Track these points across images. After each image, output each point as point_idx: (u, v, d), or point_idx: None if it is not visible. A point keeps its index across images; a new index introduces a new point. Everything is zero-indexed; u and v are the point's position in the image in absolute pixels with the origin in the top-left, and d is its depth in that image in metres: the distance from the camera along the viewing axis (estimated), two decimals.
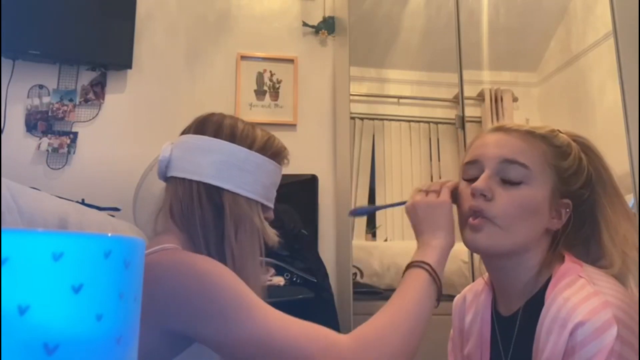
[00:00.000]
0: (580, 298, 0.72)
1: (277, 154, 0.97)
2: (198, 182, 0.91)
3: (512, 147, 0.83)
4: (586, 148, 0.89)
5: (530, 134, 0.85)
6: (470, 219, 0.83)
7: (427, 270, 0.81)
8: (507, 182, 0.82)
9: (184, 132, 0.98)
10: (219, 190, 0.91)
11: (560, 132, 0.89)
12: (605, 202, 0.86)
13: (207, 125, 0.95)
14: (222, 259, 0.88)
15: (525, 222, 0.81)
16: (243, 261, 0.90)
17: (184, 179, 0.92)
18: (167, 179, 0.96)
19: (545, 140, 0.85)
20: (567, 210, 0.84)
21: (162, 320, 0.75)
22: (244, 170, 0.92)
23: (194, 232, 0.90)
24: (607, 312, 0.69)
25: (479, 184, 0.82)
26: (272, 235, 0.97)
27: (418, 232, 0.87)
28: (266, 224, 0.96)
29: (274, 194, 0.99)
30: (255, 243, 0.93)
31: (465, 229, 0.84)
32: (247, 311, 0.74)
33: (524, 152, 0.82)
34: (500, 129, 0.88)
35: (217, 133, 0.94)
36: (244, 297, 0.76)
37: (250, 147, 0.94)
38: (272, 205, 0.98)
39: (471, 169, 0.86)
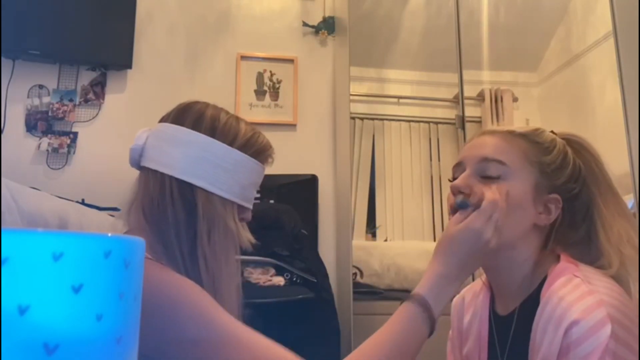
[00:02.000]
0: (574, 297, 0.73)
1: (260, 152, 0.91)
2: (170, 177, 0.84)
3: (491, 146, 0.86)
4: (579, 146, 0.90)
5: (510, 133, 0.87)
6: (451, 216, 0.84)
7: (417, 302, 0.75)
8: (486, 180, 0.83)
9: (162, 120, 0.91)
10: (191, 187, 0.84)
11: (553, 132, 0.90)
12: (599, 200, 0.86)
13: (187, 115, 0.88)
14: (194, 261, 0.84)
15: (506, 217, 0.81)
16: (216, 264, 0.85)
17: (156, 171, 0.85)
18: (140, 168, 0.90)
19: (526, 138, 0.86)
20: (557, 205, 0.84)
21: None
22: (220, 167, 0.85)
23: (166, 230, 0.84)
24: (602, 310, 0.70)
25: (457, 182, 0.84)
26: (246, 239, 0.90)
27: (441, 257, 0.79)
28: (241, 225, 0.90)
29: (254, 194, 0.92)
30: (229, 245, 0.87)
31: None
32: (228, 338, 0.71)
33: (503, 150, 0.84)
34: (485, 132, 0.91)
35: (197, 125, 0.87)
36: (222, 324, 0.72)
37: (231, 143, 0.87)
38: (250, 206, 0.91)
39: (456, 171, 0.89)
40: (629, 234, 0.82)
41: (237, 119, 0.91)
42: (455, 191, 0.84)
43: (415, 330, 0.74)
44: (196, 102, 0.92)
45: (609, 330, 0.68)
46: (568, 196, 0.85)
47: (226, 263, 0.86)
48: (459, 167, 0.89)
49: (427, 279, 0.77)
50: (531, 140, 0.86)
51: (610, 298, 0.72)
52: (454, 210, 0.84)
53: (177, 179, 0.84)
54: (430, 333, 0.75)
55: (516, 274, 0.85)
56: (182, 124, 0.87)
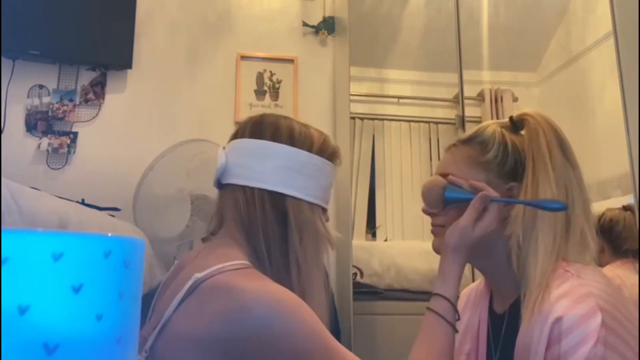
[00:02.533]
0: (563, 290, 0.74)
1: (333, 154, 0.94)
2: (261, 190, 0.86)
3: (442, 163, 0.94)
4: (525, 122, 0.89)
5: (454, 145, 0.94)
6: (431, 230, 0.94)
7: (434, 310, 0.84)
8: None
9: (235, 136, 0.94)
10: (283, 197, 0.86)
11: (512, 118, 0.92)
12: (529, 177, 0.85)
13: (264, 128, 0.90)
14: (287, 270, 0.85)
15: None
16: (309, 270, 0.87)
17: (244, 187, 0.87)
18: (221, 185, 0.91)
19: (467, 143, 0.91)
20: (519, 190, 0.86)
21: (239, 351, 0.72)
22: (306, 174, 0.88)
23: (257, 242, 0.85)
24: (590, 301, 0.71)
25: (423, 206, 0.94)
26: (334, 237, 0.93)
27: (449, 255, 0.88)
28: (328, 226, 0.92)
29: (331, 195, 0.96)
30: (320, 249, 0.90)
31: None
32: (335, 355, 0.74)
33: (449, 163, 0.92)
34: (446, 150, 0.97)
35: (276, 136, 0.89)
36: (338, 351, 0.75)
37: (309, 150, 0.90)
38: (327, 207, 0.95)
39: None
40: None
41: (306, 125, 0.94)
42: (426, 213, 0.94)
43: (453, 344, 0.81)
44: (266, 115, 0.94)
45: (600, 319, 0.69)
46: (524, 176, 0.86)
47: (317, 268, 0.89)
48: None
49: (452, 281, 0.86)
50: (472, 143, 0.91)
51: (600, 291, 0.73)
52: (431, 225, 0.94)
53: (269, 192, 0.86)
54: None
55: (501, 272, 0.87)
56: (261, 138, 0.89)
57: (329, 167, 0.93)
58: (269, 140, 0.89)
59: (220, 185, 0.92)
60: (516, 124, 0.92)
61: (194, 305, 0.75)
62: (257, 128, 0.91)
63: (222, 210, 0.91)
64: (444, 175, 0.90)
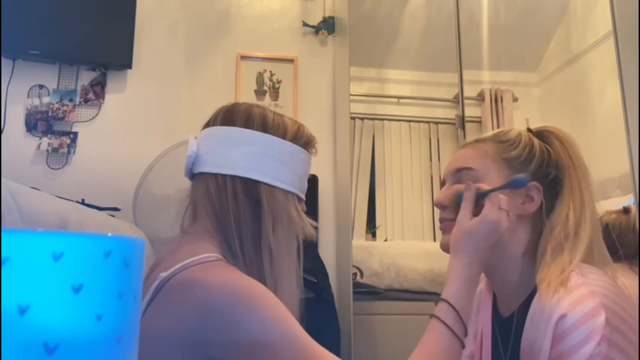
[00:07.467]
0: (567, 289, 0.74)
1: (308, 142, 0.93)
2: (233, 177, 0.85)
3: (461, 157, 0.92)
4: (553, 135, 0.92)
5: (477, 141, 0.93)
6: (439, 226, 0.92)
7: (451, 317, 0.78)
8: None
9: (207, 125, 0.92)
10: (255, 183, 0.85)
11: (530, 129, 0.94)
12: (571, 185, 0.87)
13: (236, 116, 0.89)
14: (259, 257, 0.84)
15: None
16: (281, 260, 0.85)
17: (216, 174, 0.86)
18: (193, 175, 0.90)
19: (491, 140, 0.91)
20: (538, 191, 0.86)
21: (206, 348, 0.70)
22: (279, 161, 0.87)
23: (228, 231, 0.84)
24: (595, 299, 0.71)
25: (437, 197, 0.92)
26: (310, 226, 0.91)
27: (464, 256, 0.82)
28: (303, 215, 0.91)
29: (306, 184, 0.94)
30: (292, 238, 0.88)
31: None
32: (300, 346, 0.70)
33: (471, 157, 0.90)
34: (460, 147, 0.96)
35: (248, 123, 0.88)
36: (304, 341, 0.72)
37: (283, 137, 0.88)
38: (304, 197, 0.93)
39: (442, 190, 0.95)
40: (575, 218, 0.84)
41: (280, 114, 0.93)
42: (439, 206, 0.91)
43: (453, 348, 0.76)
44: (238, 103, 0.93)
45: (604, 318, 0.69)
46: (547, 182, 0.87)
47: (289, 256, 0.88)
48: (443, 185, 0.94)
49: (456, 284, 0.79)
50: (496, 141, 0.91)
51: (603, 289, 0.73)
52: (440, 221, 0.91)
53: (240, 178, 0.85)
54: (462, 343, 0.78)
55: (513, 272, 0.86)
56: (233, 125, 0.88)
57: (304, 155, 0.91)
58: (240, 127, 0.88)
59: (192, 175, 0.90)
60: (537, 135, 0.93)
61: (161, 306, 0.73)
62: (228, 115, 0.90)
63: (195, 202, 0.89)
64: (464, 169, 0.89)
